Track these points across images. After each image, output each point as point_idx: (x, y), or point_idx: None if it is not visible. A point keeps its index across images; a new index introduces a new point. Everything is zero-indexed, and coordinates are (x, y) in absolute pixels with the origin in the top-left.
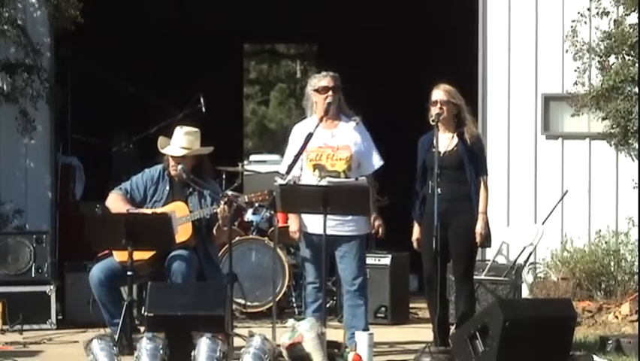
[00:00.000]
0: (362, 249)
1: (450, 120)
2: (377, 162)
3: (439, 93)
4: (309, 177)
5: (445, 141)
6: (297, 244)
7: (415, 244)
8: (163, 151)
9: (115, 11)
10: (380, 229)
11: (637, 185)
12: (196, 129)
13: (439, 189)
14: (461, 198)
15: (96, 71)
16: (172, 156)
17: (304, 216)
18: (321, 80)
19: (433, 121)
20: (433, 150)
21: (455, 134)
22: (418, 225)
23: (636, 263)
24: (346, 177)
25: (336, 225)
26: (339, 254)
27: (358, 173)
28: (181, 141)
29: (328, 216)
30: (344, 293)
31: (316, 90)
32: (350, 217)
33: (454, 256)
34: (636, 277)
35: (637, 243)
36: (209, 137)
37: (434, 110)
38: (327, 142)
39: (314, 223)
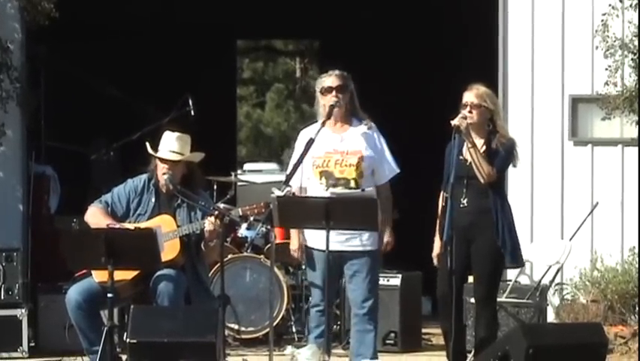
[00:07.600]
0: (375, 268)
1: (481, 126)
2: (392, 170)
3: (469, 95)
4: (315, 187)
5: None
6: (297, 263)
7: (435, 260)
8: (157, 155)
9: (94, 4)
10: (388, 247)
11: None
12: (187, 135)
13: (464, 201)
14: (487, 211)
15: (73, 70)
16: (164, 160)
17: (308, 230)
18: (325, 79)
19: (452, 120)
20: (461, 157)
21: (484, 142)
22: (440, 239)
23: None
24: (357, 186)
25: (347, 239)
26: (349, 273)
27: (372, 182)
28: (172, 145)
29: (338, 231)
30: (352, 317)
31: (321, 92)
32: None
33: (476, 275)
34: None
35: None
36: (199, 143)
37: (463, 112)
38: (335, 147)
39: (320, 238)
